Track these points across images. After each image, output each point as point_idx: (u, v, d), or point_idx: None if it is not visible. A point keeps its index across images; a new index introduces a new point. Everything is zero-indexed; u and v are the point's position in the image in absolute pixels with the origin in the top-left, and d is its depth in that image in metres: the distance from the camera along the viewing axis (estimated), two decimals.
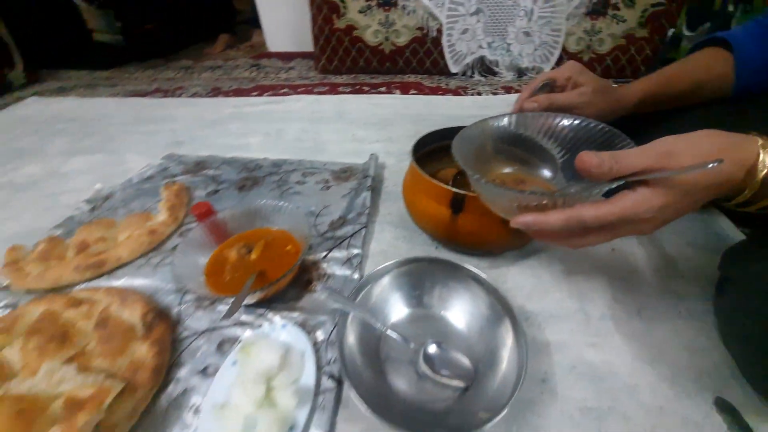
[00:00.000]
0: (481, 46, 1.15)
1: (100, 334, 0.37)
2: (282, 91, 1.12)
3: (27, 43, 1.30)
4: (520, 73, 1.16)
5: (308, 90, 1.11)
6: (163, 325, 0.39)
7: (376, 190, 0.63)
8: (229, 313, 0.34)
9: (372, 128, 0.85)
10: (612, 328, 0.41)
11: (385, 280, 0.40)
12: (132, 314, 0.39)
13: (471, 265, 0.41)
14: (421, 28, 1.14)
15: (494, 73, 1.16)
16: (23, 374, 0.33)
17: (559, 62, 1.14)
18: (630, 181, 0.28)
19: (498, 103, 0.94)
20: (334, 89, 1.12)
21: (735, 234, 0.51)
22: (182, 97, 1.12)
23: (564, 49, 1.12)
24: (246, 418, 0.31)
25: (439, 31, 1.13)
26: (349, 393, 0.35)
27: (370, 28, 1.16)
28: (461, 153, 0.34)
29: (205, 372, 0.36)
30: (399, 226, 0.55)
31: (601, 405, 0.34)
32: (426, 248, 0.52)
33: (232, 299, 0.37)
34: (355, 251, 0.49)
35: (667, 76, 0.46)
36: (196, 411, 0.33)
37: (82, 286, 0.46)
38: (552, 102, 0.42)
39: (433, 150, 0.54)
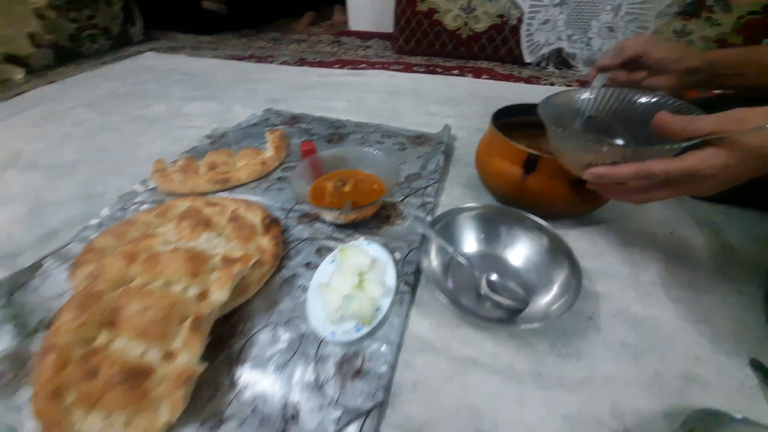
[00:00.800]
0: (560, 38, 1.15)
1: (233, 225, 0.48)
2: (360, 66, 1.21)
3: (146, 4, 1.51)
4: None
5: (385, 67, 1.19)
6: (277, 228, 0.49)
7: (447, 155, 0.70)
8: (345, 212, 0.44)
9: (445, 105, 0.92)
10: (661, 292, 0.45)
11: (459, 219, 0.48)
12: (254, 216, 0.50)
13: None
14: (501, 16, 1.16)
15: (570, 66, 1.17)
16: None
17: None
18: (700, 143, 0.32)
19: None
20: (408, 68, 1.19)
21: None
22: (273, 64, 1.25)
23: None
24: (344, 296, 0.40)
25: (519, 20, 1.15)
26: (422, 296, 0.43)
27: (451, 13, 1.21)
28: (545, 112, 0.40)
29: (309, 265, 0.46)
30: (467, 187, 0.62)
31: (640, 344, 0.39)
32: None
33: (332, 212, 0.46)
34: (429, 199, 0.57)
35: (748, 52, 0.46)
36: (304, 289, 0.43)
37: (212, 196, 0.59)
38: (621, 54, 0.47)
39: (504, 125, 0.60)
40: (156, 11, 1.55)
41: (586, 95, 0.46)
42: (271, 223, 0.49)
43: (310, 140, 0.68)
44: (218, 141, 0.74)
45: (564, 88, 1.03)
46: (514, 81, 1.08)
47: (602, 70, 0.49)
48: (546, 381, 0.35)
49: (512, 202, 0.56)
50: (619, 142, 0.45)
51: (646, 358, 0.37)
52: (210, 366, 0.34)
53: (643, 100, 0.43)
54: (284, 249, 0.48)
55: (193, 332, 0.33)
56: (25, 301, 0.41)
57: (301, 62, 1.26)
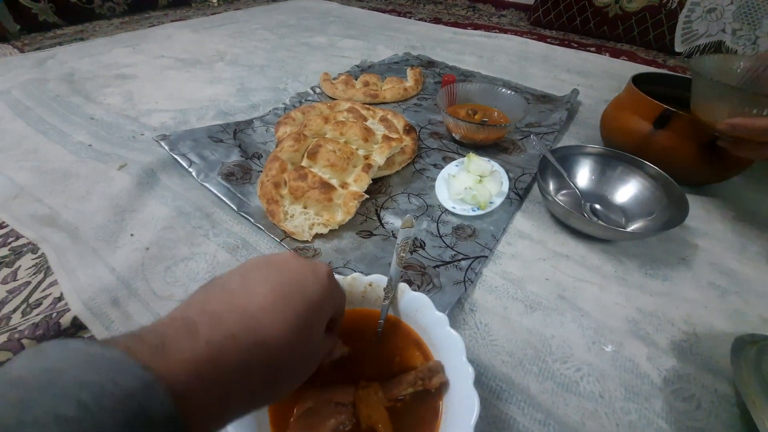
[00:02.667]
0: (723, 30, 1.04)
1: (384, 125, 0.61)
2: (493, 30, 1.25)
3: None
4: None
5: (519, 34, 1.22)
6: (415, 133, 0.61)
7: (570, 115, 0.74)
8: (474, 130, 0.54)
9: (575, 74, 0.93)
10: (764, 262, 0.46)
11: (577, 155, 0.54)
12: (398, 123, 0.62)
13: None
14: None
15: None
16: None
17: None
18: None
19: None
20: (542, 39, 1.19)
21: None
22: (411, 19, 1.36)
23: None
24: (466, 186, 0.50)
25: (681, 4, 1.07)
26: (528, 206, 0.51)
27: None
28: (696, 65, 0.44)
29: (436, 166, 0.57)
30: (584, 141, 0.66)
31: (728, 287, 0.42)
32: None
33: (465, 124, 0.56)
34: (547, 142, 0.63)
35: None
36: (432, 179, 0.54)
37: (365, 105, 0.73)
38: None
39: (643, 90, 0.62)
40: None
41: (743, 64, 0.48)
42: (410, 129, 0.61)
43: (451, 74, 0.78)
44: (366, 70, 0.88)
45: None
46: (656, 67, 1.03)
47: None
48: (628, 284, 0.42)
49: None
50: None
51: (731, 297, 0.41)
52: (365, 202, 0.47)
53: None
54: (418, 150, 0.60)
55: (363, 173, 0.47)
56: (244, 139, 0.60)
57: (437, 21, 1.35)
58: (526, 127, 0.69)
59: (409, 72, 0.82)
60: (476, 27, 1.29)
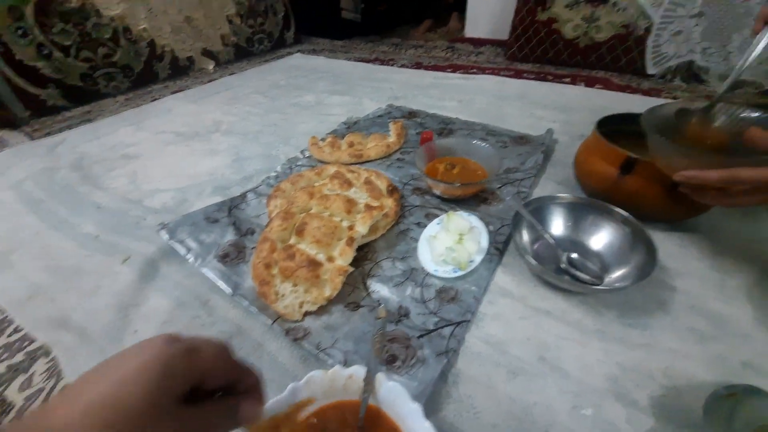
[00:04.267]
0: (692, 51, 1.09)
1: (367, 187, 0.65)
2: (472, 71, 1.32)
3: (298, 14, 1.84)
4: (735, 85, 1.05)
5: (495, 72, 1.28)
6: (398, 193, 0.65)
7: (546, 156, 0.77)
8: (452, 188, 0.57)
9: (552, 110, 0.97)
10: (744, 298, 0.47)
11: (549, 205, 0.56)
12: (381, 183, 0.66)
13: None
14: (626, 26, 1.15)
15: (700, 81, 1.09)
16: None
17: None
18: None
19: None
20: (518, 75, 1.25)
21: None
22: (394, 67, 1.43)
23: None
24: (446, 247, 0.53)
25: (647, 30, 1.12)
26: (508, 260, 0.53)
27: (571, 23, 1.23)
28: (648, 120, 0.47)
29: (419, 224, 0.60)
30: (561, 184, 0.69)
31: (708, 331, 0.43)
32: None
33: (443, 184, 0.60)
34: (524, 190, 0.66)
35: None
36: (415, 239, 0.57)
37: (350, 166, 0.77)
38: None
39: (609, 132, 0.65)
40: (305, 19, 1.88)
41: (692, 107, 0.51)
42: (393, 189, 0.65)
43: (429, 130, 0.82)
44: (352, 126, 0.93)
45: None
46: (631, 92, 1.07)
47: None
48: (608, 337, 0.43)
49: (605, 200, 0.62)
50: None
51: (712, 343, 0.42)
52: (353, 272, 0.50)
53: (752, 114, 0.47)
54: (401, 210, 0.63)
55: (347, 247, 0.50)
56: (239, 215, 0.64)
57: (418, 65, 1.42)
58: (505, 173, 0.72)
59: (392, 126, 0.87)
60: (456, 68, 1.36)
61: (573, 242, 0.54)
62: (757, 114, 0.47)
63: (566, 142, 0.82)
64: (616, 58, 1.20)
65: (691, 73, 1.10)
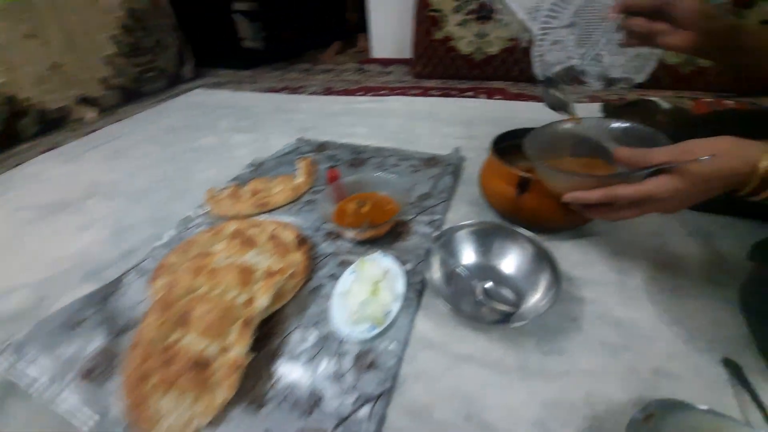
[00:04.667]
0: (570, 57, 1.20)
1: (272, 243, 0.58)
2: (382, 92, 1.32)
3: (195, 46, 1.72)
4: (609, 83, 1.18)
5: (404, 92, 1.29)
6: (307, 245, 0.59)
7: (456, 175, 0.78)
8: (362, 231, 0.53)
9: (458, 126, 1.00)
10: (644, 297, 0.49)
11: (458, 235, 0.55)
12: (289, 235, 0.60)
13: None
14: (512, 39, 1.23)
15: (581, 83, 1.21)
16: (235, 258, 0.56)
17: (654, 74, 1.13)
18: (658, 170, 0.38)
19: (579, 110, 1.00)
20: (425, 92, 1.28)
21: None
22: (304, 95, 1.39)
23: (661, 61, 1.11)
24: (360, 302, 0.48)
25: (530, 42, 1.22)
26: (427, 301, 0.50)
27: (465, 39, 1.30)
28: (530, 146, 0.48)
29: (333, 276, 0.55)
30: (473, 204, 0.69)
31: (618, 342, 0.44)
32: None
33: (352, 231, 0.55)
34: (437, 217, 0.65)
35: (754, 28, 0.47)
36: (329, 296, 0.52)
37: (254, 218, 0.70)
38: None
39: (506, 147, 0.67)
40: (203, 51, 1.76)
41: (567, 126, 0.53)
42: (302, 240, 0.59)
43: (335, 168, 0.78)
44: (258, 169, 0.86)
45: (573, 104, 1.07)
46: (526, 99, 1.14)
47: (626, 9, 0.49)
48: (529, 373, 0.42)
49: (511, 218, 0.63)
50: (609, 163, 0.51)
51: (623, 355, 0.43)
52: (254, 358, 0.43)
53: (620, 125, 0.50)
54: (313, 262, 0.58)
55: (243, 331, 0.43)
56: (113, 308, 0.53)
57: (329, 91, 1.40)
58: (419, 200, 0.70)
59: (300, 165, 0.81)
60: (366, 91, 1.35)
61: (487, 270, 0.53)
62: (617, 124, 0.50)
63: (473, 158, 0.84)
64: (509, 68, 1.28)
65: (572, 77, 1.22)
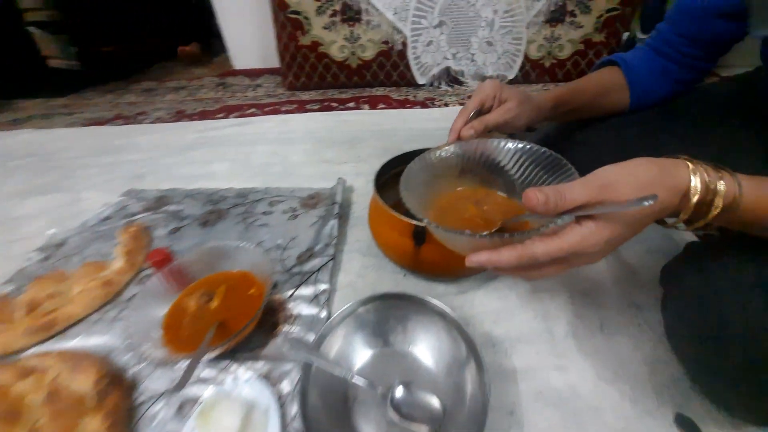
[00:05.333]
0: (446, 57, 1.16)
1: (50, 409, 0.35)
2: (249, 111, 1.10)
3: None
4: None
5: (275, 109, 1.10)
6: (117, 392, 0.37)
7: (344, 216, 0.63)
8: (180, 385, 0.33)
9: (341, 147, 0.85)
10: (575, 347, 0.42)
11: (349, 322, 0.40)
12: (84, 381, 0.37)
13: (440, 289, 0.42)
14: (386, 42, 1.14)
15: (460, 83, 1.18)
16: None
17: (522, 69, 1.16)
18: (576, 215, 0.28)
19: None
20: (302, 106, 1.11)
21: (691, 238, 0.53)
22: (144, 123, 1.08)
23: (526, 57, 1.14)
24: None
25: (404, 44, 1.14)
26: None
27: (336, 44, 1.15)
28: (409, 193, 0.34)
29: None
30: (367, 254, 0.55)
31: (566, 426, 0.34)
32: (394, 276, 0.51)
33: (187, 359, 0.36)
34: (323, 287, 0.49)
35: (575, 86, 0.51)
36: None
37: (33, 350, 0.44)
38: (486, 125, 0.42)
39: (399, 172, 0.54)
40: None
41: (443, 154, 0.41)
42: (107, 387, 0.37)
43: (162, 248, 0.55)
44: (54, 254, 0.58)
45: (458, 107, 1.02)
46: (410, 106, 1.05)
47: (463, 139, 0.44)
48: None
49: (413, 271, 0.50)
50: (507, 185, 0.40)
51: None
52: None
53: (510, 146, 0.39)
54: (129, 423, 0.36)
55: None
56: None
57: (179, 116, 1.11)
58: (297, 262, 0.53)
59: (121, 238, 0.56)
60: (228, 111, 1.11)
61: (396, 360, 0.39)
62: (511, 145, 0.39)
63: (362, 186, 0.70)
64: (388, 74, 1.19)
65: (451, 77, 1.18)
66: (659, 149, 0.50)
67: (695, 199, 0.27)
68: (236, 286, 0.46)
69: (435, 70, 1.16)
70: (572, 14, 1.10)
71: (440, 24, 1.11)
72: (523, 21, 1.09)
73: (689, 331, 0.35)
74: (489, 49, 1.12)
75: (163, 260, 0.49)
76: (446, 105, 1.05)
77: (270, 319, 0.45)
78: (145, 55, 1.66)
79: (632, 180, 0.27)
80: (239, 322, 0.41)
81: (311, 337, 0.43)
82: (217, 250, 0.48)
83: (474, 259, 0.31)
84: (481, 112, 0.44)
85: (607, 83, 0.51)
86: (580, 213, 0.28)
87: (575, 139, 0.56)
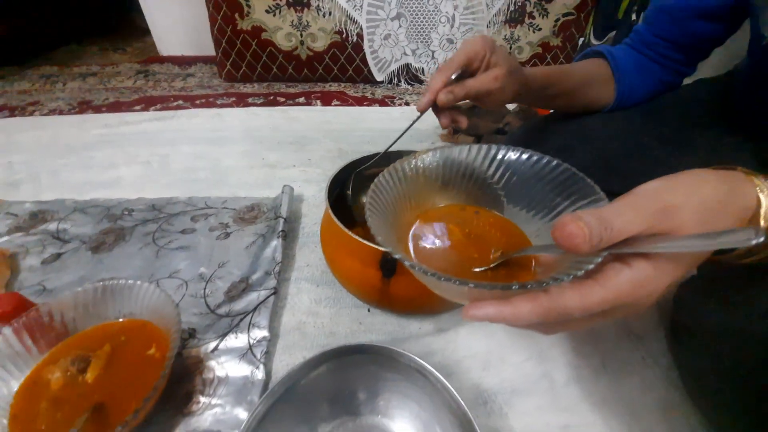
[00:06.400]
0: (405, 53, 1.07)
1: None
2: (174, 104, 0.92)
3: None
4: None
5: (208, 102, 0.93)
6: None
7: (291, 233, 0.51)
8: None
9: (287, 149, 0.72)
10: (579, 395, 0.35)
11: (298, 390, 0.28)
12: None
13: (413, 328, 0.33)
14: (339, 32, 1.02)
15: (420, 81, 1.10)
16: None
17: None
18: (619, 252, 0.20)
19: (428, 114, 0.87)
20: (242, 100, 0.95)
21: None
22: (35, 116, 0.86)
23: None
24: None
25: (360, 36, 1.03)
26: None
27: (281, 31, 1.02)
28: (379, 219, 0.24)
29: None
30: (321, 284, 0.44)
31: None
32: (356, 312, 0.41)
33: None
34: (261, 334, 0.36)
35: (563, 68, 0.45)
36: None
37: None
38: (467, 91, 0.35)
39: (359, 180, 0.43)
40: None
41: (421, 163, 0.31)
42: None
43: (14, 292, 0.39)
44: None
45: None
46: (368, 104, 0.95)
47: (442, 105, 0.36)
48: None
49: (378, 306, 0.40)
50: (498, 200, 0.31)
51: None
52: None
53: (513, 156, 0.30)
54: None
55: None
56: None
57: (83, 107, 0.90)
58: (226, 298, 0.40)
59: None
60: (149, 103, 0.92)
61: None
62: (506, 154, 0.30)
63: (313, 195, 0.58)
64: (343, 68, 1.07)
65: (411, 75, 1.10)
66: (646, 155, 0.46)
67: (765, 223, 0.21)
68: (128, 343, 0.32)
69: (394, 67, 1.07)
70: (531, 16, 1.08)
71: (398, 16, 1.02)
72: (484, 19, 1.04)
73: (715, 377, 0.29)
74: (450, 47, 1.06)
75: (13, 310, 0.33)
76: (407, 104, 0.96)
77: (180, 388, 0.32)
78: (48, 37, 1.37)
79: (696, 203, 0.19)
80: (127, 405, 0.27)
81: (240, 413, 0.30)
82: (104, 290, 0.34)
83: (475, 314, 0.22)
84: (463, 74, 0.35)
85: (593, 72, 0.46)
86: (627, 250, 0.19)
87: (554, 145, 0.50)
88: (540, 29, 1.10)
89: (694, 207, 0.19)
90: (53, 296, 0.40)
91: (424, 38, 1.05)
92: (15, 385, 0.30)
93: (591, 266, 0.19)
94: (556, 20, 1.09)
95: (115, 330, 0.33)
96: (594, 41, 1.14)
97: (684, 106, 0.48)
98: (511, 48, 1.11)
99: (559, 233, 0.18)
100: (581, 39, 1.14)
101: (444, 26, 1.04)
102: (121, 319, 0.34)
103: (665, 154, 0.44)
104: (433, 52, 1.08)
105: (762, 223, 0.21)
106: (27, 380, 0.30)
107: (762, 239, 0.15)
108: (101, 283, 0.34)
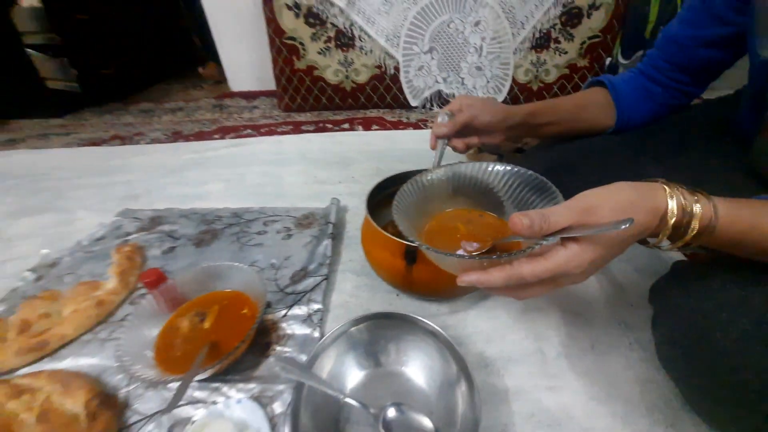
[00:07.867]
0: (437, 81, 1.20)
1: (42, 429, 0.34)
2: (245, 132, 1.12)
3: None
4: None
5: (271, 131, 1.12)
6: (108, 412, 0.37)
7: (338, 236, 0.64)
8: (171, 406, 0.33)
9: (334, 168, 0.86)
10: (567, 366, 0.42)
11: (342, 342, 0.40)
12: (75, 402, 0.37)
13: (432, 309, 0.42)
14: (379, 66, 1.18)
15: None
16: None
17: (510, 92, 1.20)
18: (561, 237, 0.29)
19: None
20: (297, 128, 1.13)
21: (679, 257, 0.55)
22: (141, 144, 1.09)
23: (514, 80, 1.19)
24: None
25: (397, 68, 1.18)
26: None
27: (330, 68, 1.19)
28: (401, 215, 0.35)
29: None
30: (361, 274, 0.56)
31: None
32: (387, 296, 0.52)
33: (180, 380, 0.35)
34: (316, 306, 0.49)
35: (552, 101, 0.53)
36: None
37: (25, 370, 0.43)
38: (455, 123, 0.46)
39: (391, 193, 0.55)
40: None
41: (433, 177, 0.42)
42: (99, 407, 0.37)
43: (157, 265, 0.56)
44: (47, 275, 0.57)
45: None
46: (404, 127, 1.08)
47: (440, 137, 0.47)
48: None
49: (405, 291, 0.51)
50: (498, 205, 0.42)
51: None
52: None
53: (499, 168, 0.41)
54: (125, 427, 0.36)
55: None
56: None
57: (176, 137, 1.13)
58: (291, 281, 0.53)
59: (114, 257, 0.56)
60: (224, 132, 1.13)
61: (388, 380, 0.39)
62: (499, 168, 0.41)
63: (356, 207, 0.71)
64: (382, 96, 1.22)
65: (442, 100, 1.22)
66: (640, 172, 0.53)
67: (672, 221, 0.29)
68: (229, 306, 0.46)
69: (426, 93, 1.20)
70: (556, 41, 1.16)
71: (431, 50, 1.15)
72: (510, 47, 1.14)
73: (678, 350, 0.35)
74: (478, 74, 1.17)
75: (156, 280, 0.49)
76: None
77: (263, 339, 0.45)
78: (144, 76, 1.69)
79: (612, 203, 0.29)
80: (231, 343, 0.41)
81: (304, 358, 0.43)
82: (210, 270, 0.49)
83: (464, 279, 0.32)
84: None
85: (588, 99, 0.53)
86: (565, 235, 0.29)
87: (560, 161, 0.58)
88: (566, 52, 1.17)
89: (610, 206, 0.29)
90: (172, 276, 0.56)
91: (454, 67, 1.17)
92: (157, 330, 0.44)
93: (537, 247, 0.29)
94: (582, 43, 1.16)
95: (219, 297, 0.47)
96: (622, 60, 1.19)
97: (683, 126, 0.54)
98: (537, 71, 1.19)
99: (511, 224, 0.29)
100: (608, 59, 1.19)
101: (472, 56, 1.15)
102: (222, 290, 0.48)
103: (658, 173, 0.51)
104: (462, 78, 1.19)
105: (670, 219, 0.29)
106: (164, 327, 0.45)
107: (627, 225, 0.25)
108: (209, 264, 0.48)
